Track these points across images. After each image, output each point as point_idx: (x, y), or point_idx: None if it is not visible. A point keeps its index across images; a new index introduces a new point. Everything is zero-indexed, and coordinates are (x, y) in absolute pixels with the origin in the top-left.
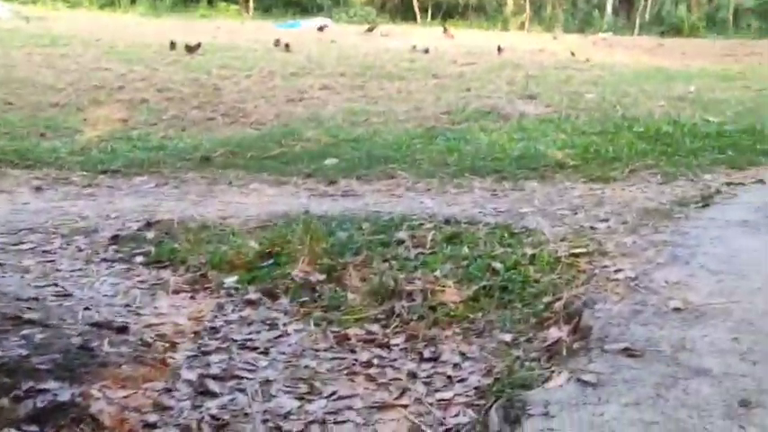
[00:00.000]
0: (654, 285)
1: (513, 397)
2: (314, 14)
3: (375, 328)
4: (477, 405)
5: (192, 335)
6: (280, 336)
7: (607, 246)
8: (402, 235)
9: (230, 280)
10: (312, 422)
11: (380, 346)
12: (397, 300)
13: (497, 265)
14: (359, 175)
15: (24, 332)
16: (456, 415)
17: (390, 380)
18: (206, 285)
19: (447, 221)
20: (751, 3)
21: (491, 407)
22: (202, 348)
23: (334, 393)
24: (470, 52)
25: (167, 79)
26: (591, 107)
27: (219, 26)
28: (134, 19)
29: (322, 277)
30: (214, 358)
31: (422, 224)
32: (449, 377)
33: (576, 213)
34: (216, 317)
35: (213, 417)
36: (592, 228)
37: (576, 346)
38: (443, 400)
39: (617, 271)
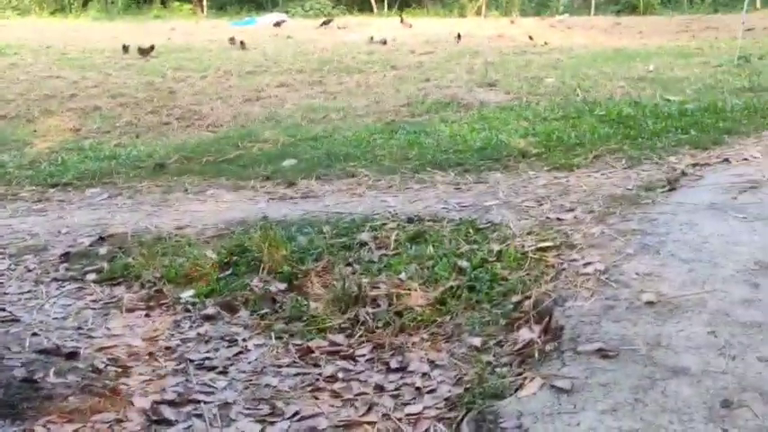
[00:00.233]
0: (624, 278)
1: (484, 409)
2: (269, 10)
3: (339, 338)
4: (448, 418)
5: (147, 356)
6: (239, 352)
7: (575, 237)
8: (365, 237)
9: (187, 294)
10: None
11: (345, 357)
12: (362, 306)
13: (464, 264)
14: (319, 175)
15: None
16: (426, 430)
17: (356, 395)
18: (162, 301)
19: (410, 220)
20: None
21: (462, 420)
22: (157, 371)
23: (297, 414)
24: (429, 41)
25: (121, 84)
26: (551, 92)
27: (174, 27)
28: (86, 24)
29: (283, 286)
30: (170, 381)
31: (384, 224)
32: (417, 388)
33: (541, 204)
34: (172, 335)
35: None
36: (558, 219)
37: (548, 347)
38: (412, 414)
39: (586, 264)
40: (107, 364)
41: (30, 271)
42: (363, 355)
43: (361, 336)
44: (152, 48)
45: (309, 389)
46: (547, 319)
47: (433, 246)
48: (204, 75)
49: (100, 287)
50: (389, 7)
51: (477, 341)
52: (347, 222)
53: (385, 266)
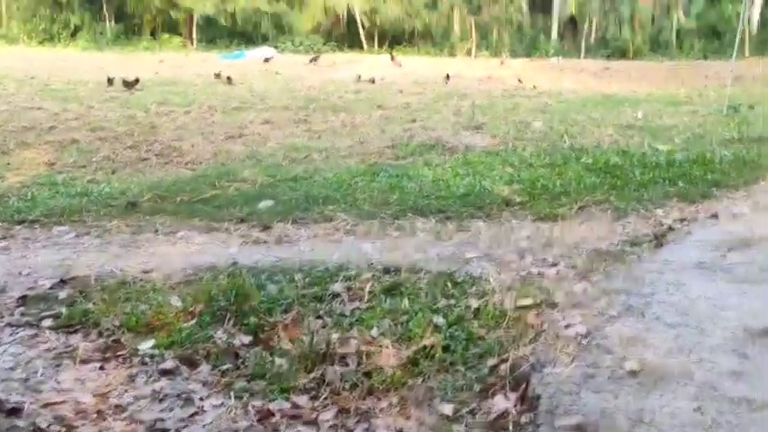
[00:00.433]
0: (607, 343)
1: None
2: (259, 44)
3: (303, 400)
4: None
5: (95, 415)
6: (195, 413)
7: (556, 295)
8: (337, 287)
9: (146, 345)
10: None
11: (307, 422)
12: (330, 364)
13: (439, 321)
14: (295, 218)
15: None
16: None
17: None
18: (118, 353)
19: (386, 270)
20: (693, 24)
21: None
22: None
23: None
24: (417, 81)
25: (102, 117)
26: (538, 137)
27: (163, 59)
28: (75, 54)
29: (247, 340)
30: None
31: (359, 274)
32: None
33: (523, 258)
34: (125, 391)
35: None
36: (539, 274)
37: (523, 419)
38: None
39: (567, 326)
40: (51, 423)
41: None
42: (327, 421)
43: (326, 398)
44: (137, 81)
45: None
46: (524, 386)
47: (409, 299)
48: (188, 110)
49: (55, 334)
50: (380, 45)
51: (448, 409)
52: (320, 271)
53: (357, 320)
